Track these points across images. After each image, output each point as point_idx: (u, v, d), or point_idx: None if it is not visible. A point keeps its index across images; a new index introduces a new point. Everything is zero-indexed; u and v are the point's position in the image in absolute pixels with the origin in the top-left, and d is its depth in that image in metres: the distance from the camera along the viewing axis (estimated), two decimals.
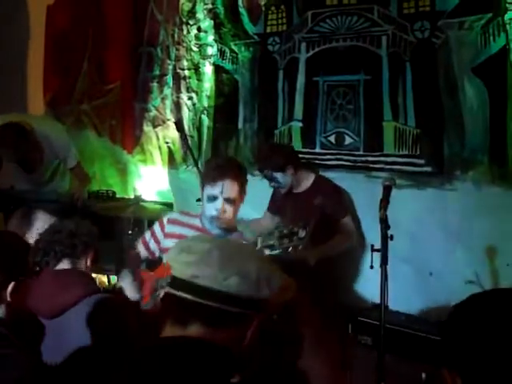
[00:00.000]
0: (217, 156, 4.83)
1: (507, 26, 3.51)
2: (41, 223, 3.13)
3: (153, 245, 2.98)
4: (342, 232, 3.80)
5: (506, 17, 3.52)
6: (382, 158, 4.09)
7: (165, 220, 2.97)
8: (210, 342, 1.30)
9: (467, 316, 1.21)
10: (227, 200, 2.72)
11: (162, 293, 2.43)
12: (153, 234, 3.00)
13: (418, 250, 3.84)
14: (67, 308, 2.29)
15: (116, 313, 2.35)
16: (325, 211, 3.74)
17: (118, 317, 2.33)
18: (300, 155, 4.19)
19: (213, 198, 2.72)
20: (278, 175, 3.86)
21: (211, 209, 2.74)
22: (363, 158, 4.18)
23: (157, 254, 2.97)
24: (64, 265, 2.47)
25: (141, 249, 3.02)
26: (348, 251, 3.80)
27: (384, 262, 2.49)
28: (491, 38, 3.62)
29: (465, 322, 1.20)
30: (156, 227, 2.99)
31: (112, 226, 4.56)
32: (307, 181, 3.96)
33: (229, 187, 2.71)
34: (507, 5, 3.51)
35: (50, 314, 2.32)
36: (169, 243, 2.81)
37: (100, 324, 2.22)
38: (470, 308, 1.22)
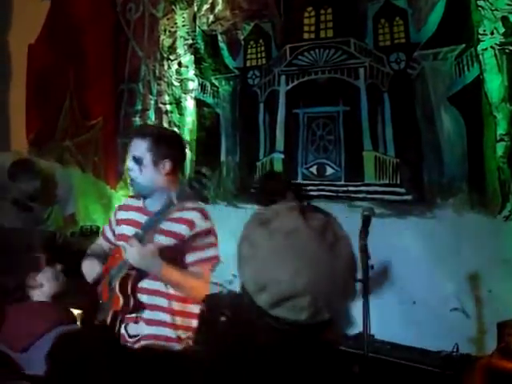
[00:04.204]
0: None
1: (480, 57, 3.60)
2: None
3: (109, 233, 2.92)
4: None
5: (479, 48, 3.60)
6: (363, 188, 4.13)
7: (116, 207, 2.96)
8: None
9: None
10: (134, 158, 2.60)
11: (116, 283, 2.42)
12: (109, 223, 2.95)
13: (400, 279, 3.85)
14: (33, 342, 2.26)
15: (78, 348, 2.26)
16: None
17: (81, 352, 2.24)
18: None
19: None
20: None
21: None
22: (344, 188, 4.21)
23: (113, 241, 2.88)
24: None
25: (102, 241, 2.97)
26: None
27: (365, 291, 2.50)
28: (465, 68, 3.70)
29: None
30: (111, 216, 2.95)
31: None
32: None
33: (136, 145, 2.61)
34: (479, 36, 3.59)
35: (18, 348, 2.29)
36: (121, 230, 2.76)
37: (58, 360, 2.13)
38: None
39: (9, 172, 4.12)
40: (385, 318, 3.80)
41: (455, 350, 3.37)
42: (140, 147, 2.58)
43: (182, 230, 2.59)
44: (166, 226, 2.56)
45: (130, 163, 2.62)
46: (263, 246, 1.24)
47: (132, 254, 2.41)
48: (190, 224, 2.59)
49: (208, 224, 2.65)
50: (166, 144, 2.62)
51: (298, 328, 1.23)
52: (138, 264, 2.44)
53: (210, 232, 2.64)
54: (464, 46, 3.70)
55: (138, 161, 2.58)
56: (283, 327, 1.23)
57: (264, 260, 1.23)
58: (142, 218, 2.64)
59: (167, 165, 2.59)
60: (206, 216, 2.65)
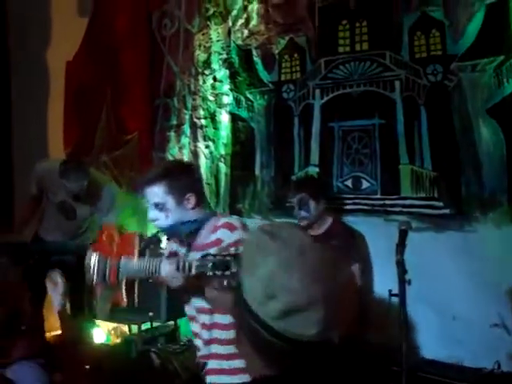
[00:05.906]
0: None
1: None
2: None
3: None
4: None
5: None
6: (400, 202, 4.08)
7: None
8: None
9: None
10: (156, 206, 2.44)
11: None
12: None
13: (439, 294, 3.78)
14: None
15: None
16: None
17: None
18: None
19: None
20: (312, 203, 3.86)
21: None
22: (381, 202, 4.16)
23: None
24: None
25: None
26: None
27: (402, 306, 2.46)
28: (504, 79, 3.64)
29: None
30: None
31: None
32: (325, 224, 3.93)
33: (153, 193, 2.43)
34: None
35: None
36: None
37: None
38: None
39: (60, 170, 4.14)
40: (424, 334, 3.74)
41: (496, 367, 3.29)
42: (158, 194, 2.43)
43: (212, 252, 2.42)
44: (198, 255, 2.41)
45: (152, 213, 2.47)
46: (273, 254, 1.19)
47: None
48: (218, 242, 2.42)
49: (235, 235, 2.42)
50: (183, 178, 2.48)
51: (299, 346, 1.15)
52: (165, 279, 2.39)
53: (237, 243, 2.35)
54: (503, 57, 3.64)
55: (161, 208, 2.44)
56: (282, 344, 1.15)
57: (275, 269, 1.17)
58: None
59: (192, 199, 2.46)
60: (232, 228, 2.45)
